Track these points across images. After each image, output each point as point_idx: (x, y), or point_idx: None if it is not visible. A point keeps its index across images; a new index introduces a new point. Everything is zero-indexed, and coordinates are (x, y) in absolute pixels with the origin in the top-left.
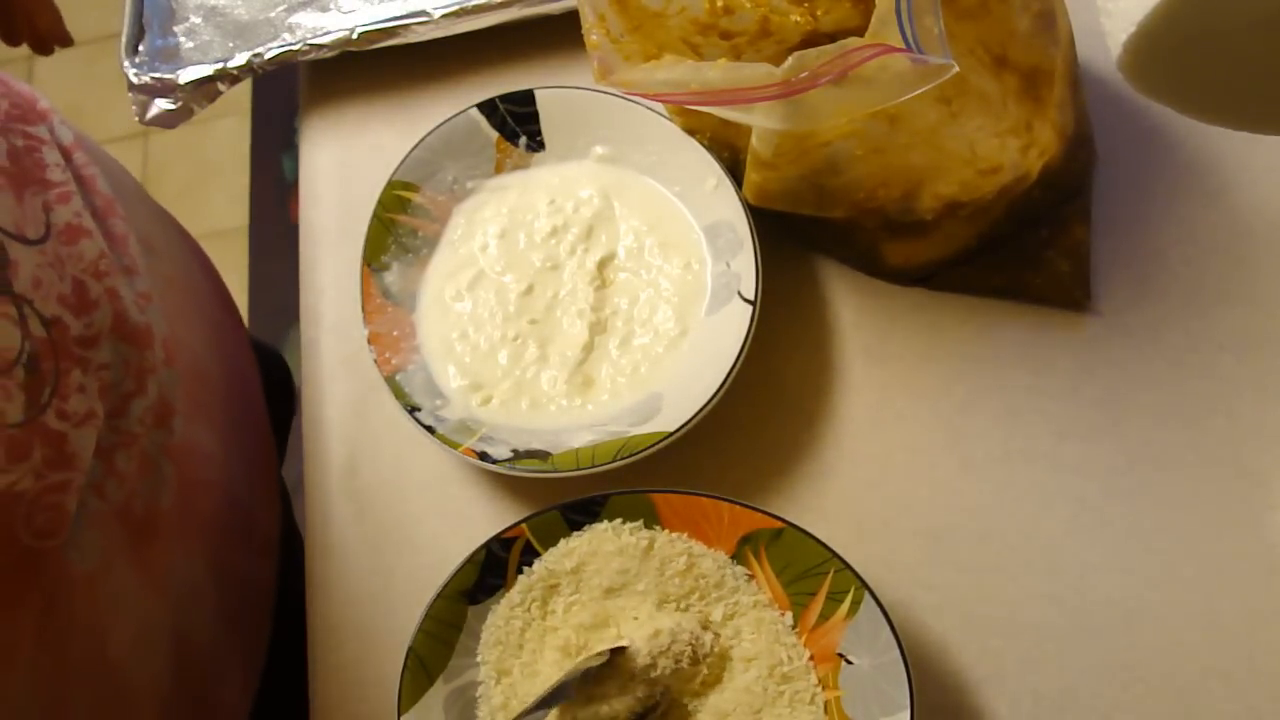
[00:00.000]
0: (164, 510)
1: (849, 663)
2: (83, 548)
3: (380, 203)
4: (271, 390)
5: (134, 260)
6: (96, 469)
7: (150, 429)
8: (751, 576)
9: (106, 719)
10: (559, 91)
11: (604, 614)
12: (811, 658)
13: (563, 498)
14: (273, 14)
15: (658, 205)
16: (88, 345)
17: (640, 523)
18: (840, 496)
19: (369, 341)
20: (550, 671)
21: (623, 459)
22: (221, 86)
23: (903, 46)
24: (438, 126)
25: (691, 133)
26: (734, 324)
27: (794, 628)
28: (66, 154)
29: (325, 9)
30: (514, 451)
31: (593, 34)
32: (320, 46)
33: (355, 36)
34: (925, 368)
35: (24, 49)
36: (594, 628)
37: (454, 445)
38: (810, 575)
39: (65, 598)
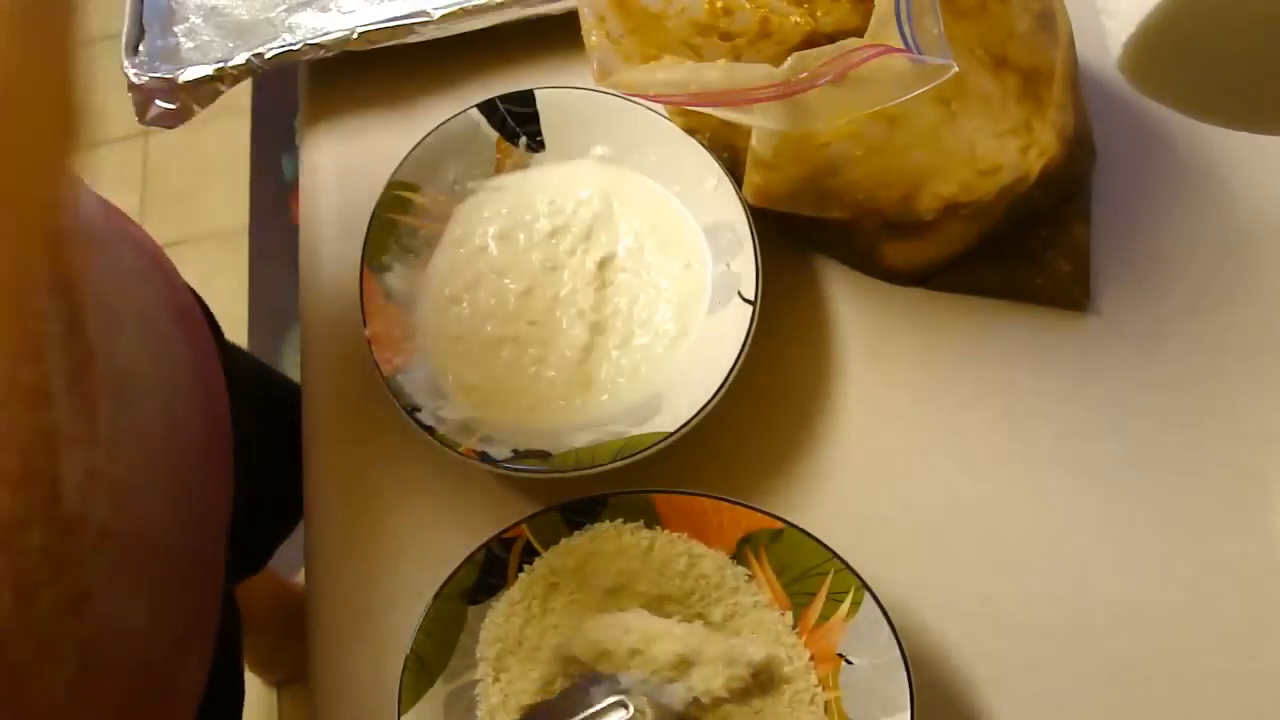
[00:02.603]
0: (53, 700)
1: (849, 663)
2: None
3: (380, 203)
4: (281, 419)
5: (97, 423)
6: None
7: (59, 617)
8: (751, 576)
9: None
10: (559, 92)
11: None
12: (811, 658)
13: (563, 498)
14: (273, 14)
15: (658, 205)
16: (16, 529)
17: (641, 523)
18: (840, 496)
19: (369, 341)
20: (547, 669)
21: (623, 459)
22: (221, 86)
23: (902, 47)
24: (438, 126)
25: (691, 133)
26: (734, 324)
27: (794, 628)
28: (68, 286)
29: (325, 9)
30: (514, 451)
31: (592, 35)
32: (320, 46)
33: (355, 36)
34: (925, 368)
35: None
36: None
37: (454, 445)
38: (810, 575)
39: None
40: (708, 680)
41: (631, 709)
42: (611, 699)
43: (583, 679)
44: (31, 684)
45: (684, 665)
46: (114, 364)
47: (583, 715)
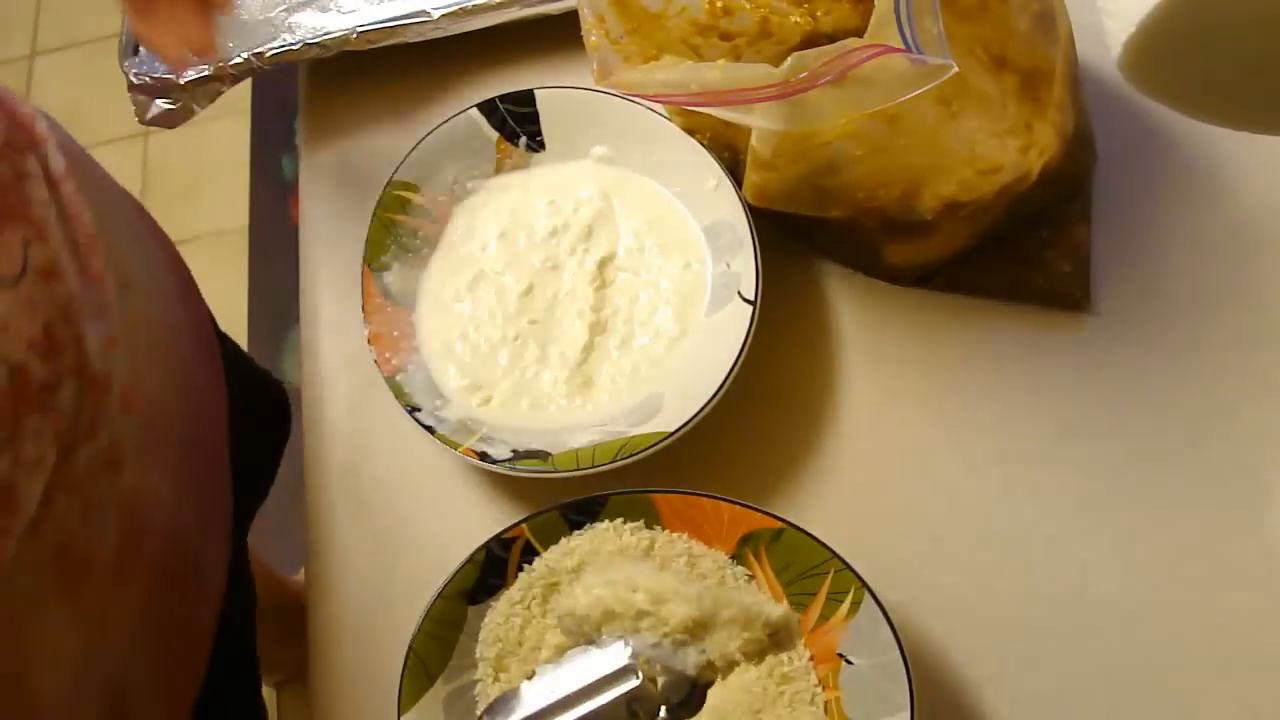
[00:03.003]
0: (103, 556)
1: (849, 663)
2: (14, 587)
3: (380, 203)
4: (266, 415)
5: (107, 299)
6: (36, 513)
7: (97, 475)
8: (751, 576)
9: None
10: (559, 91)
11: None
12: (811, 658)
13: (563, 498)
14: (273, 14)
15: (658, 205)
16: (49, 391)
17: (641, 523)
18: (840, 496)
19: (369, 341)
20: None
21: (623, 459)
22: (221, 86)
23: (902, 47)
24: (438, 126)
25: (691, 133)
26: (734, 324)
27: None
28: (55, 186)
29: (325, 9)
30: (514, 451)
31: (592, 35)
32: (320, 46)
33: (355, 36)
34: (925, 368)
35: (23, 48)
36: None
37: (454, 445)
38: (810, 575)
39: None
40: (723, 645)
41: (640, 678)
42: (619, 664)
43: (589, 643)
44: (83, 544)
45: (697, 629)
46: (110, 254)
47: (588, 682)
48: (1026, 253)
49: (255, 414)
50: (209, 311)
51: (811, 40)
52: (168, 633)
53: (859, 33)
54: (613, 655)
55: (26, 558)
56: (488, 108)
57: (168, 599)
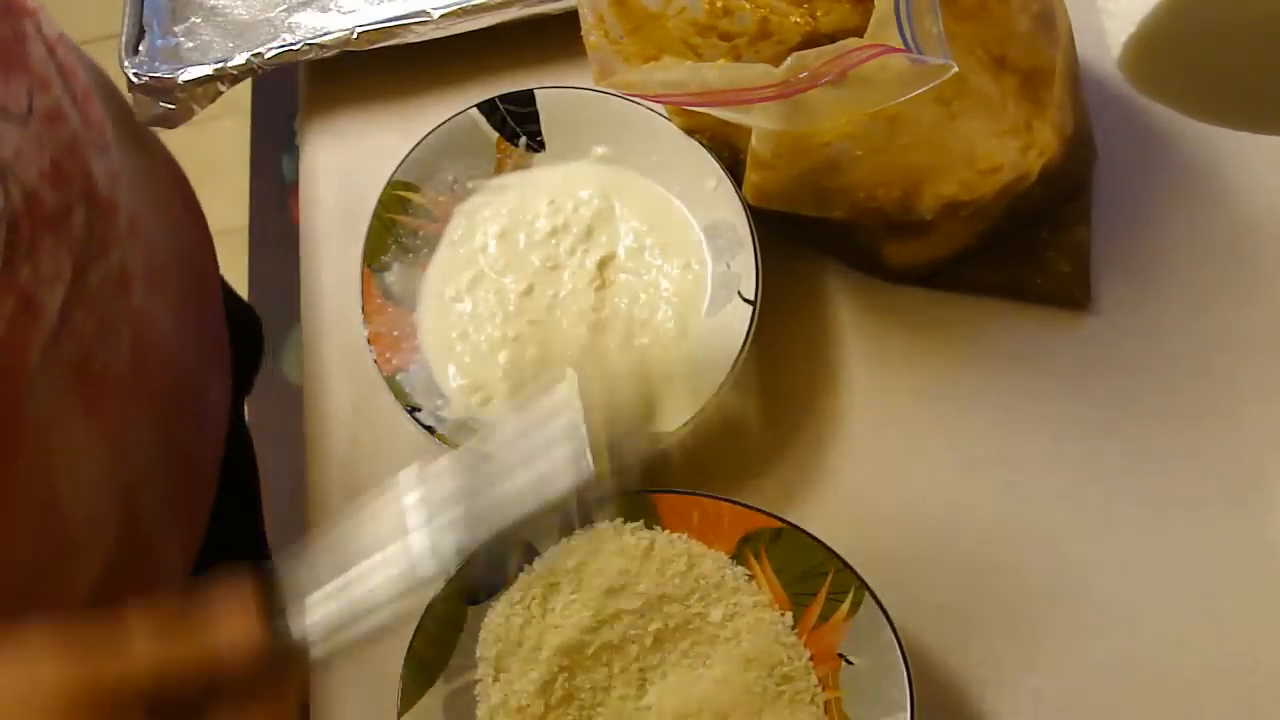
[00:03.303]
0: (118, 372)
1: (849, 663)
2: (39, 397)
3: (380, 203)
4: (236, 336)
5: (107, 141)
6: (56, 325)
7: (109, 294)
8: (751, 577)
9: (50, 562)
10: (559, 91)
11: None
12: (811, 658)
13: None
14: (273, 14)
15: (658, 205)
16: (61, 214)
17: (641, 523)
18: (840, 496)
19: (369, 341)
20: (547, 669)
21: None
22: (221, 86)
23: (902, 47)
24: (438, 126)
25: (691, 133)
26: (734, 324)
27: (794, 628)
28: (50, 47)
29: (325, 9)
30: None
31: (592, 35)
32: (320, 46)
33: (355, 36)
34: (925, 368)
35: None
36: (594, 628)
37: (454, 445)
38: (810, 575)
39: (16, 440)
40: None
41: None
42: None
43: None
44: (100, 362)
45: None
46: (109, 113)
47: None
48: (1026, 252)
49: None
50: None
51: (811, 40)
52: (177, 460)
53: (859, 33)
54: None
55: (50, 368)
56: (488, 108)
57: (177, 428)
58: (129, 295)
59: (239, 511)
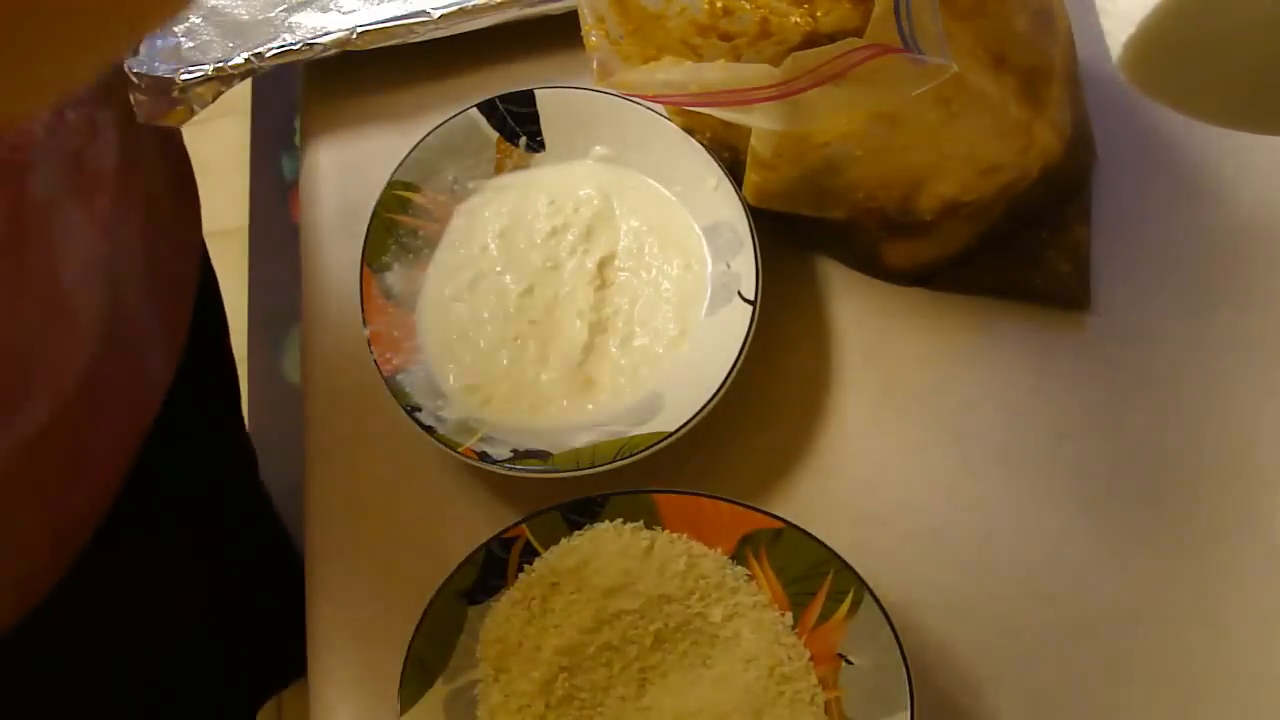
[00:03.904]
0: (106, 171)
1: (849, 663)
2: (41, 177)
3: (380, 203)
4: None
5: None
6: (51, 118)
7: (96, 101)
8: (751, 576)
9: (54, 336)
10: (559, 92)
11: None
12: (811, 658)
13: (563, 498)
14: (273, 14)
15: (658, 205)
16: None
17: (641, 523)
18: (840, 496)
19: (369, 341)
20: (547, 669)
21: (623, 459)
22: (221, 86)
23: (901, 47)
24: (438, 126)
25: (691, 133)
26: (734, 324)
27: (794, 628)
28: None
29: (325, 9)
30: (514, 451)
31: (592, 35)
32: (320, 46)
33: (355, 36)
34: (925, 368)
35: None
36: (594, 628)
37: (454, 445)
38: (810, 575)
39: (24, 216)
40: None
41: None
42: None
43: None
44: (92, 158)
45: None
46: None
47: None
48: (1026, 252)
49: None
50: None
51: (811, 40)
52: (159, 273)
53: (859, 33)
54: None
55: (48, 155)
56: (488, 108)
57: (157, 236)
58: (111, 103)
59: (210, 340)
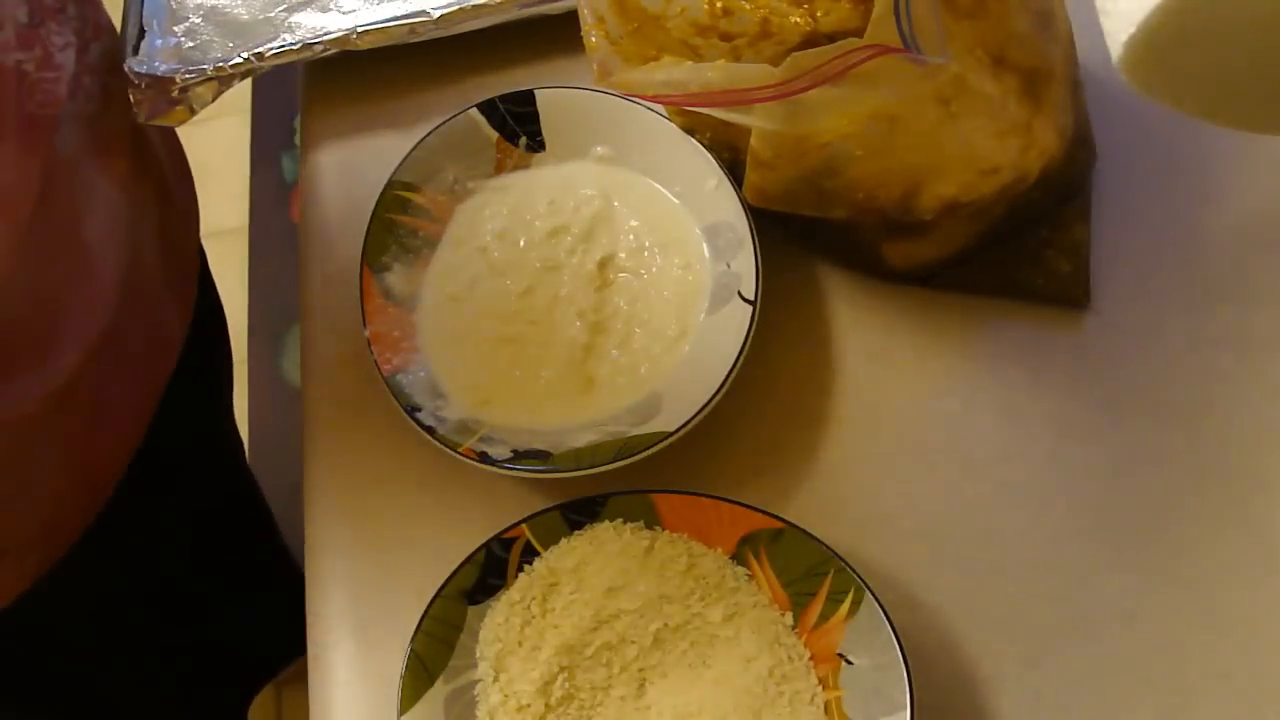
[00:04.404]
0: (122, 135)
1: (849, 663)
2: (65, 137)
3: (380, 203)
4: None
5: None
6: (71, 81)
7: (107, 71)
8: (751, 576)
9: (80, 289)
10: (559, 92)
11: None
12: (811, 658)
13: (563, 498)
14: (273, 14)
15: (658, 205)
16: (59, 8)
17: (641, 523)
18: (840, 496)
19: (369, 341)
20: (547, 669)
21: (623, 459)
22: (221, 86)
23: (901, 47)
24: (438, 126)
25: (691, 133)
26: (734, 324)
27: (794, 628)
28: None
29: (325, 9)
30: (514, 451)
31: (591, 36)
32: (320, 46)
33: (355, 36)
34: (925, 368)
35: None
36: (594, 628)
37: (454, 445)
38: (810, 575)
39: (53, 172)
40: None
41: None
42: None
43: None
44: (108, 124)
45: None
46: None
47: None
48: (1026, 252)
49: None
50: None
51: (811, 40)
52: (169, 238)
53: (859, 33)
54: None
55: (70, 117)
56: (488, 108)
57: (168, 208)
58: (121, 80)
59: (209, 314)
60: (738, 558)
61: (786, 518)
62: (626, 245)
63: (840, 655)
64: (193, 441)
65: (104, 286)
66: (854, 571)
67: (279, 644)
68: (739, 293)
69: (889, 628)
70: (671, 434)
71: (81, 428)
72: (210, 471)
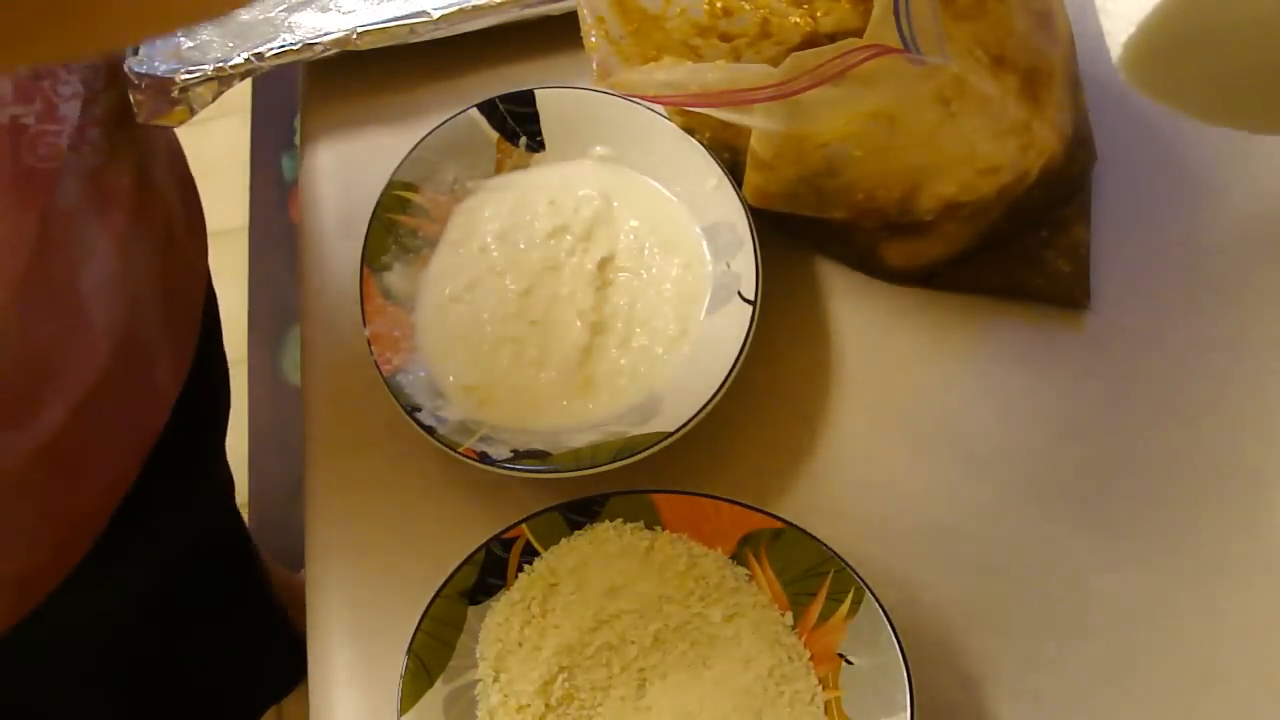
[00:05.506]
0: (124, 190)
1: (849, 663)
2: (65, 190)
3: (380, 203)
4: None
5: None
6: (75, 133)
7: (113, 121)
8: (751, 576)
9: (72, 344)
10: (559, 92)
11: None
12: (812, 658)
13: (563, 498)
14: (273, 14)
15: (658, 205)
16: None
17: (641, 523)
18: (840, 496)
19: (369, 341)
20: (547, 669)
21: (623, 459)
22: (221, 86)
23: (900, 47)
24: (438, 126)
25: (691, 133)
26: (734, 324)
27: (794, 628)
28: None
29: (325, 9)
30: (514, 451)
31: (592, 36)
32: (320, 46)
33: (355, 36)
34: (925, 367)
35: None
36: (594, 628)
37: (454, 445)
38: (810, 575)
39: (50, 225)
40: None
41: None
42: None
43: None
44: (111, 176)
45: None
46: None
47: None
48: (1026, 252)
49: None
50: None
51: (811, 40)
52: (170, 291)
53: (859, 33)
54: None
55: (72, 169)
56: (488, 108)
57: (173, 263)
58: (130, 125)
59: (210, 363)
60: (738, 558)
61: (786, 518)
62: (626, 245)
63: (840, 655)
64: (179, 486)
65: (97, 342)
66: (854, 571)
67: (267, 673)
68: (739, 293)
69: (889, 628)
70: (671, 434)
71: (63, 484)
72: (194, 511)
